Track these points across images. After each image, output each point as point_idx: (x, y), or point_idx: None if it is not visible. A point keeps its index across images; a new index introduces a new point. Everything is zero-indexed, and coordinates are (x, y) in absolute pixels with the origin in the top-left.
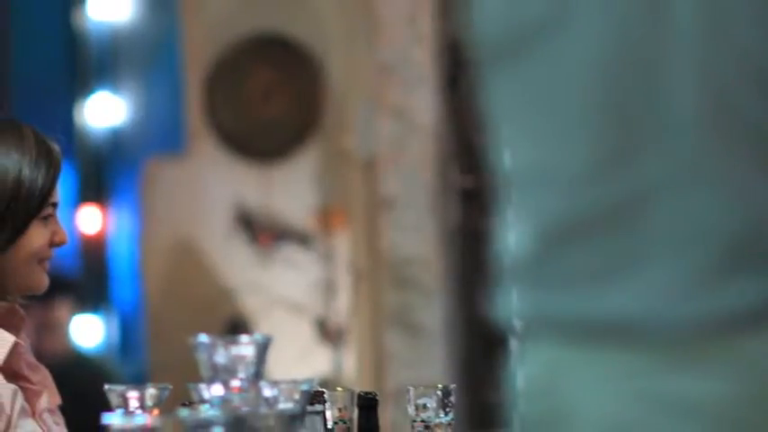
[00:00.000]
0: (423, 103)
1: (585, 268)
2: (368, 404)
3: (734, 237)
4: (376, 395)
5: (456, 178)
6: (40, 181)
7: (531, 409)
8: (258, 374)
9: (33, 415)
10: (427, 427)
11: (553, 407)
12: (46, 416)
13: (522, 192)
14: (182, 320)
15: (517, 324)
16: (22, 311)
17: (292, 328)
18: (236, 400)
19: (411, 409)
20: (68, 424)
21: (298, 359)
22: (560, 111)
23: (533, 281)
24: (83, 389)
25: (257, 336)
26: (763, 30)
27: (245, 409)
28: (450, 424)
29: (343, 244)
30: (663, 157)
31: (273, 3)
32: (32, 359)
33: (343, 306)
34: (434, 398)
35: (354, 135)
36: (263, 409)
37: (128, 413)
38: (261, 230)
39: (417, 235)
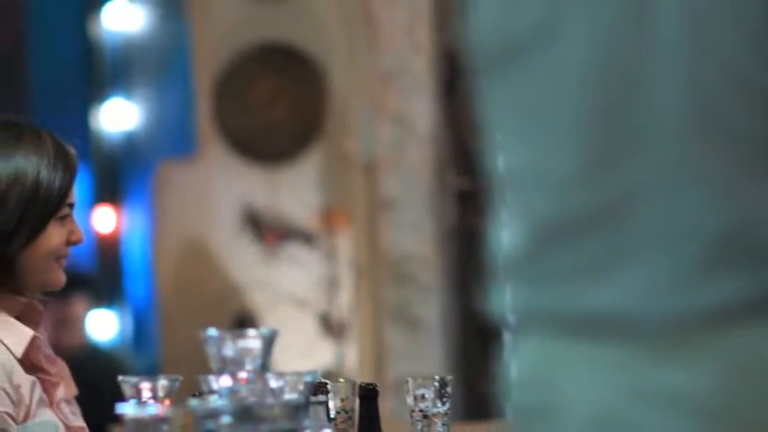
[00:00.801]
0: (421, 109)
1: (575, 265)
2: (368, 395)
3: (717, 236)
4: (376, 386)
5: (452, 180)
6: (57, 183)
7: (523, 400)
8: (264, 366)
9: (51, 405)
10: (425, 416)
11: (544, 397)
12: (63, 405)
13: (515, 193)
14: (192, 315)
15: (510, 318)
16: (40, 307)
17: (297, 322)
18: (244, 391)
19: (410, 400)
20: (84, 413)
21: (302, 352)
22: (551, 116)
23: (526, 277)
24: (98, 380)
25: (263, 330)
26: (746, 38)
27: (252, 399)
28: (446, 413)
29: (346, 243)
30: (649, 160)
31: (278, 13)
32: (50, 352)
33: (345, 302)
34: (432, 389)
35: (356, 139)
36: (270, 400)
37: (141, 403)
38: (267, 230)
39: (416, 234)
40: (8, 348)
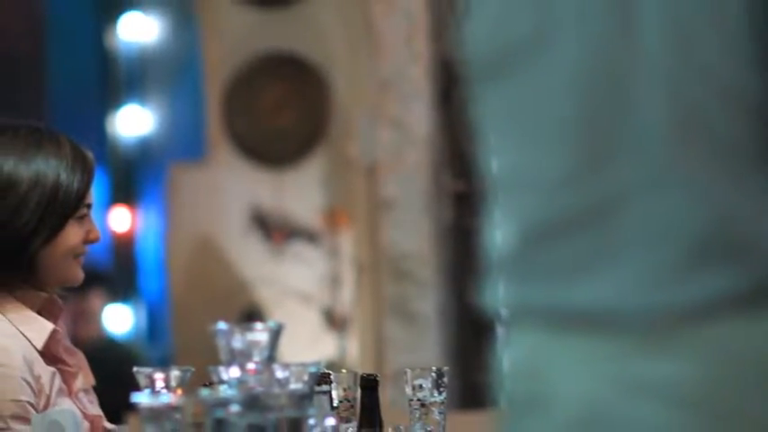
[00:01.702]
0: (419, 115)
1: (564, 262)
2: (369, 385)
3: (699, 235)
4: (377, 377)
5: (449, 182)
6: (75, 185)
7: (515, 389)
8: (271, 358)
9: (70, 394)
10: (423, 405)
11: (535, 387)
12: (81, 395)
13: (507, 194)
14: (203, 310)
15: (503, 312)
16: (59, 301)
17: (302, 316)
18: (252, 381)
19: (408, 390)
20: (101, 402)
21: (307, 344)
22: (541, 122)
23: (517, 274)
24: (114, 371)
25: (270, 323)
26: (726, 45)
27: (259, 389)
28: (443, 402)
29: (348, 241)
30: (634, 164)
31: (285, 24)
32: (69, 344)
33: (347, 297)
34: (429, 379)
35: (357, 143)
36: (276, 389)
37: (154, 393)
38: (274, 229)
39: (414, 233)
40: (30, 341)
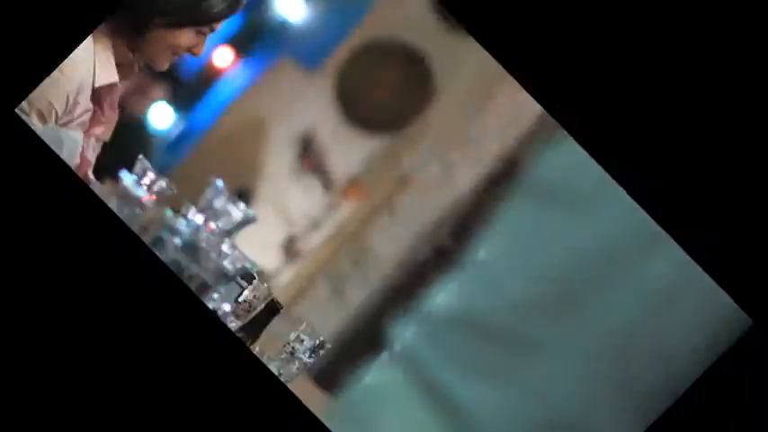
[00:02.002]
0: None
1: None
2: (271, 311)
3: None
4: (281, 308)
5: None
6: (221, 5)
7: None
8: (229, 233)
9: (86, 133)
10: (293, 354)
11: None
12: (92, 140)
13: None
14: (234, 149)
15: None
16: (137, 70)
17: (275, 227)
18: (203, 237)
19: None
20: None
21: (261, 249)
22: None
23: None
24: (129, 148)
25: (249, 211)
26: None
27: (204, 246)
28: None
29: (351, 209)
30: None
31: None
32: (116, 104)
33: (315, 242)
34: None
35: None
36: (213, 255)
37: (137, 182)
38: (307, 157)
39: None
40: (94, 74)
